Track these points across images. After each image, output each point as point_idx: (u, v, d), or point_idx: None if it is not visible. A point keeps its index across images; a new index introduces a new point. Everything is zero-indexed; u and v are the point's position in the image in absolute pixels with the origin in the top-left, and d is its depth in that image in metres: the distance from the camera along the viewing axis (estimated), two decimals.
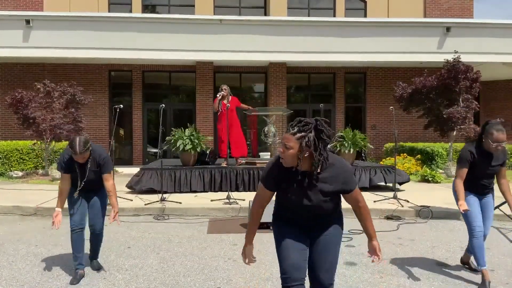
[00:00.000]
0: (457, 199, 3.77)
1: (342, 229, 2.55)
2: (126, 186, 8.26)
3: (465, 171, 3.74)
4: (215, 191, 8.24)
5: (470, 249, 3.85)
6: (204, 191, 8.26)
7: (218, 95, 8.63)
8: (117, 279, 3.72)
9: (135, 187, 8.11)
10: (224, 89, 8.67)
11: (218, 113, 8.82)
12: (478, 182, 3.81)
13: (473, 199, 3.81)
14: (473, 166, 3.74)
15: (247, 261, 2.51)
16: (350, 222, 6.11)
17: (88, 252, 4.07)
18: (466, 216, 3.75)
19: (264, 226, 5.60)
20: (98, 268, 4.01)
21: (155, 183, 8.06)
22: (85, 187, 3.85)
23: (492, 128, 3.61)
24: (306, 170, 2.29)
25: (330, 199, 2.37)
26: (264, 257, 4.40)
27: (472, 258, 4.04)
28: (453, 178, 3.95)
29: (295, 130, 2.22)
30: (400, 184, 8.64)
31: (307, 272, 2.45)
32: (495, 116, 13.89)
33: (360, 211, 2.45)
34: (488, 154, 3.70)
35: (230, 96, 8.85)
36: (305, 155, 2.22)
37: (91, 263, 4.07)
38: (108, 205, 3.97)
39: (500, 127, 3.64)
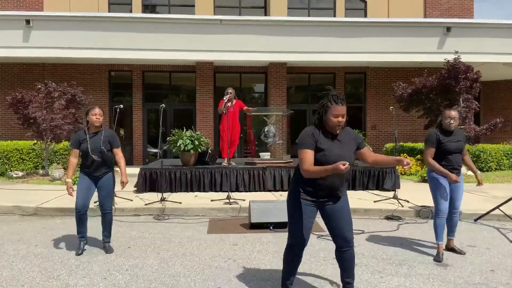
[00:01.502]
0: (433, 180, 4.42)
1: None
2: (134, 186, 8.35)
3: (433, 150, 4.40)
4: (215, 191, 8.25)
5: (434, 226, 4.45)
6: (204, 191, 8.27)
7: (224, 98, 8.55)
8: (117, 279, 3.72)
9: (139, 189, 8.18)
10: (230, 92, 8.64)
11: (224, 115, 8.81)
12: (447, 159, 4.39)
13: (445, 182, 4.39)
14: (440, 144, 4.39)
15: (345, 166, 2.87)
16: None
17: (96, 237, 4.09)
18: (435, 198, 4.43)
19: (264, 226, 5.61)
20: (110, 251, 4.54)
21: (155, 183, 8.08)
22: (94, 164, 4.48)
23: (446, 110, 4.49)
24: (336, 133, 3.08)
25: (352, 152, 3.13)
26: (264, 257, 4.40)
27: (455, 243, 4.62)
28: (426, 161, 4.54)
29: (344, 102, 3.05)
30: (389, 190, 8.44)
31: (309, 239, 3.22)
32: (495, 116, 13.90)
33: (375, 156, 3.23)
34: (448, 132, 4.42)
35: (235, 99, 8.87)
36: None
37: (104, 247, 4.62)
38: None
39: (453, 108, 4.38)
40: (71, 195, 4.45)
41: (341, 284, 3.31)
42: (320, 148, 3.03)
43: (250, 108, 9.33)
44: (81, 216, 4.52)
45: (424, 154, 4.48)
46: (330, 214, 3.16)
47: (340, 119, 3.01)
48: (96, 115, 4.51)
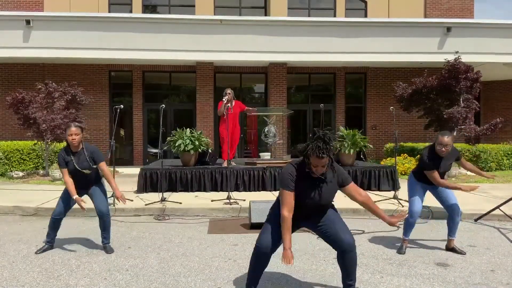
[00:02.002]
0: (410, 183, 4.65)
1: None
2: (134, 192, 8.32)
3: (435, 172, 4.36)
4: (215, 191, 8.24)
5: (404, 224, 4.63)
6: (205, 191, 8.27)
7: (223, 99, 8.46)
8: (117, 280, 3.73)
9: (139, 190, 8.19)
10: (229, 93, 8.54)
11: (223, 117, 8.62)
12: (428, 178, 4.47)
13: (419, 187, 4.58)
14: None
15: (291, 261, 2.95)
16: (351, 222, 6.13)
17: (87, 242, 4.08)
18: (409, 199, 4.62)
19: None
20: (111, 251, 4.54)
21: (156, 184, 8.09)
22: (82, 181, 4.49)
23: (439, 134, 4.38)
24: (320, 175, 3.04)
25: (333, 191, 3.15)
26: None
27: (455, 243, 4.63)
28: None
29: (325, 155, 2.91)
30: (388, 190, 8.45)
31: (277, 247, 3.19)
32: (495, 116, 13.90)
33: (365, 199, 3.21)
34: (438, 157, 4.38)
35: (234, 100, 8.77)
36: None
37: (104, 248, 4.60)
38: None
39: (447, 133, 4.37)
40: (84, 208, 4.36)
41: (341, 285, 3.31)
42: (297, 189, 3.05)
43: (250, 108, 9.30)
44: (55, 221, 4.55)
45: (432, 179, 4.37)
46: (320, 229, 3.21)
47: (318, 169, 2.98)
48: (72, 136, 4.37)
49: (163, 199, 7.09)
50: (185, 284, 3.62)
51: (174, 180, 8.28)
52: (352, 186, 3.17)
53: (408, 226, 4.61)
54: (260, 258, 3.18)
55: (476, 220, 6.17)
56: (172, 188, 8.24)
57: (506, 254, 4.56)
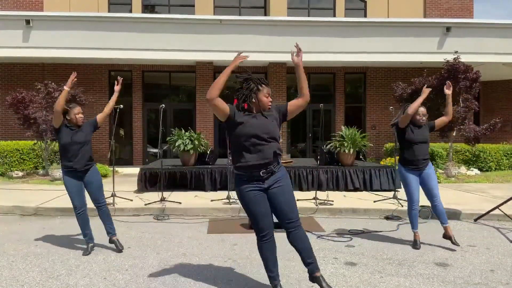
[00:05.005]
0: (402, 176, 4.80)
1: None
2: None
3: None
4: (215, 191, 8.24)
5: (409, 216, 4.82)
6: (204, 191, 8.27)
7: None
8: (117, 279, 3.73)
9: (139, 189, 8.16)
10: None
11: None
12: (415, 158, 4.67)
13: (411, 177, 4.71)
14: (409, 138, 4.70)
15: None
16: (351, 222, 6.14)
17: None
18: (407, 192, 4.76)
19: None
20: (121, 247, 4.57)
21: (155, 183, 8.09)
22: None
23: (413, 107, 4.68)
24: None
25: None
26: None
27: (453, 233, 4.78)
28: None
29: None
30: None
31: None
32: (494, 116, 13.90)
33: None
34: (419, 126, 4.74)
35: None
36: None
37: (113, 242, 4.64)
38: None
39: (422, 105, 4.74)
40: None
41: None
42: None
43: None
44: None
45: (407, 114, 4.64)
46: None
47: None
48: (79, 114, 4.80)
49: (162, 199, 7.09)
50: (185, 284, 3.62)
51: (174, 180, 8.27)
52: None
53: (414, 218, 4.78)
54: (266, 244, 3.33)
55: (475, 220, 6.17)
56: (172, 188, 8.24)
57: (506, 254, 4.56)
